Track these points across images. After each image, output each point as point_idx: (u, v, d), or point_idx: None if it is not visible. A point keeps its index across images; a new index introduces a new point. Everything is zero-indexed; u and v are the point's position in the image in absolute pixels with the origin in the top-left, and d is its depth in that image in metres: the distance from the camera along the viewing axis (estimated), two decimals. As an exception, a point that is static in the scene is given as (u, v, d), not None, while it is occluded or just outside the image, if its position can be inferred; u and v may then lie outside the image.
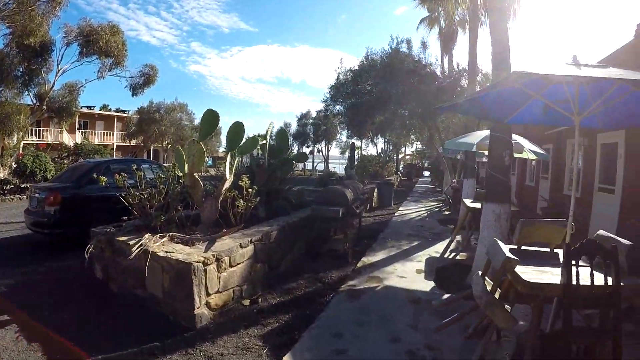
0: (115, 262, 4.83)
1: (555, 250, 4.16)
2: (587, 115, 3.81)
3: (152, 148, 38.06)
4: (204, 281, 4.11)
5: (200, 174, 5.75)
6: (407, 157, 49.63)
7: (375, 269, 6.05)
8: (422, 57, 15.20)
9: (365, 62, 15.55)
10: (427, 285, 5.40)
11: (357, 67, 15.83)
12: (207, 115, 5.58)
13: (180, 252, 4.34)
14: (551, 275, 3.25)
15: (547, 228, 4.11)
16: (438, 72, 15.25)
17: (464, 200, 8.11)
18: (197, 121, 40.66)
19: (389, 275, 5.72)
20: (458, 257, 7.00)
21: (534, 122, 5.11)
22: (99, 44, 20.07)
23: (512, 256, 3.12)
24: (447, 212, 12.55)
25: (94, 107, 36.17)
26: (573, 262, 2.86)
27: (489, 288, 3.37)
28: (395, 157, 38.25)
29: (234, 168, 6.17)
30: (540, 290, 3.05)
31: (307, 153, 56.68)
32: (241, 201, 5.74)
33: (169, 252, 4.29)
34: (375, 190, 14.24)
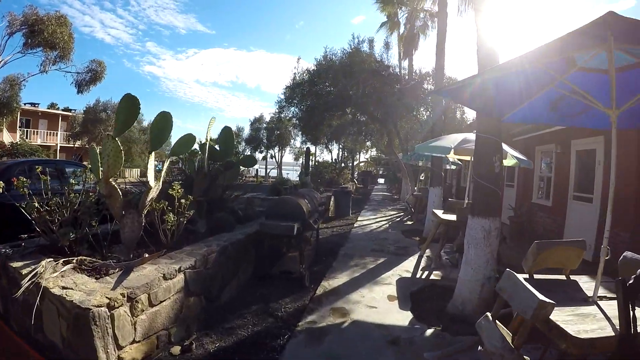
0: (13, 295, 3.50)
1: (571, 276, 3.36)
2: (624, 109, 2.99)
3: (98, 150, 35.06)
4: (111, 330, 2.94)
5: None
6: (362, 164, 49.50)
7: (339, 296, 5.02)
8: (384, 57, 14.56)
9: (323, 62, 14.66)
10: (403, 318, 4.44)
11: (314, 67, 14.90)
12: (124, 102, 4.31)
13: (82, 288, 3.11)
14: (595, 322, 2.38)
15: (564, 251, 3.27)
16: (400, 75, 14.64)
17: (434, 211, 7.33)
18: (145, 122, 39.31)
19: (355, 306, 4.71)
20: (432, 277, 6.13)
21: (537, 121, 4.34)
22: (44, 34, 18.49)
23: (546, 300, 2.20)
24: (409, 223, 11.84)
25: (38, 104, 33.52)
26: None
27: (507, 338, 2.44)
28: (350, 164, 37.76)
29: (163, 173, 4.93)
30: (592, 348, 2.14)
31: (260, 159, 55.35)
32: (171, 215, 4.55)
33: (67, 289, 3.07)
34: (332, 199, 13.29)
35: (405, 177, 15.85)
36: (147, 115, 41.32)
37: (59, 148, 33.23)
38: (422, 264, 6.94)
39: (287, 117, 15.29)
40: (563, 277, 3.50)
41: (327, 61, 14.52)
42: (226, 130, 6.34)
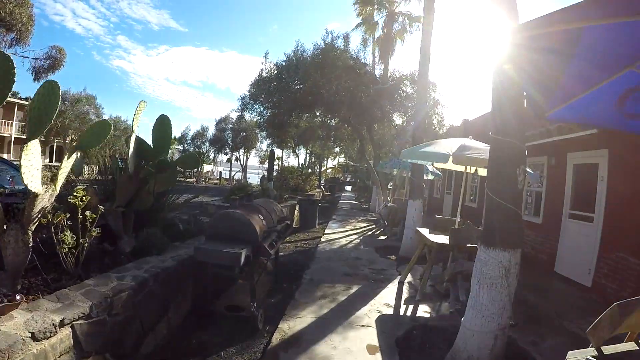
0: None
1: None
2: None
3: (55, 144, 32.68)
4: None
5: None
6: (329, 170, 48.49)
7: (302, 347, 3.72)
8: (361, 55, 13.42)
9: (293, 58, 13.34)
10: (392, 389, 3.18)
11: (283, 62, 13.56)
12: (42, 88, 2.97)
13: None
14: None
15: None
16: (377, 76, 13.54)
17: (420, 230, 6.17)
18: (105, 116, 37.58)
19: (326, 367, 3.41)
20: (420, 314, 4.93)
21: (597, 123, 3.20)
22: (1, 14, 17.02)
23: None
24: (382, 238, 10.69)
25: (-9, 91, 30.67)
26: None
27: None
28: (317, 170, 36.57)
29: (61, 173, 3.48)
30: None
31: (225, 160, 53.19)
32: (68, 233, 3.18)
33: None
34: (297, 208, 11.99)
35: (378, 186, 14.74)
36: (114, 110, 39.88)
37: (13, 139, 31.28)
38: (405, 293, 5.75)
39: (252, 116, 13.81)
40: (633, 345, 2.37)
41: (297, 57, 13.23)
42: (162, 120, 4.90)
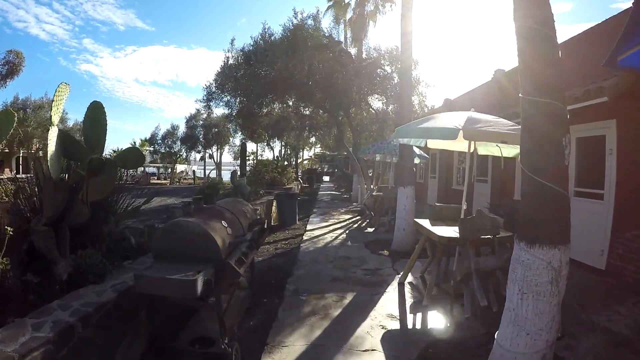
0: None
1: None
2: None
3: (21, 155, 30.58)
4: None
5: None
6: (306, 161, 47.47)
7: (293, 395, 2.79)
8: (334, 33, 12.39)
9: (261, 42, 12.20)
10: None
11: (250, 47, 12.40)
12: None
13: None
14: None
15: None
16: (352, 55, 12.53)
17: (419, 222, 5.32)
18: (70, 122, 36.16)
19: None
20: (433, 325, 4.09)
21: None
22: None
23: None
24: (370, 230, 9.84)
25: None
26: None
27: None
28: (294, 162, 35.52)
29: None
30: None
31: (198, 159, 51.30)
32: None
33: None
34: (274, 204, 11.00)
35: (359, 175, 13.87)
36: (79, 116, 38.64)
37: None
38: (408, 298, 4.92)
39: (218, 107, 12.60)
40: None
41: (265, 40, 12.11)
42: (94, 108, 3.84)
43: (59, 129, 3.55)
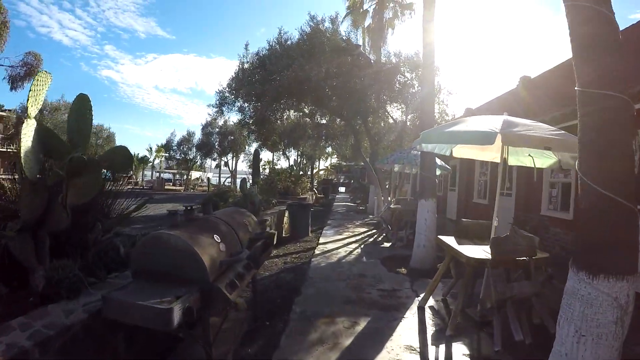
0: None
1: None
2: None
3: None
4: None
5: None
6: (322, 172, 47.04)
7: None
8: (352, 37, 12.00)
9: (277, 46, 11.89)
10: None
11: (266, 50, 12.09)
12: None
13: None
14: None
15: None
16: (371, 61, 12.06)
17: (443, 239, 4.78)
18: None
19: None
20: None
21: None
22: None
23: None
24: (386, 245, 9.28)
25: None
26: None
27: None
28: (309, 172, 35.12)
29: None
30: None
31: (214, 166, 51.38)
32: None
33: None
34: (286, 215, 10.54)
35: (376, 186, 13.32)
36: (105, 122, 39.88)
37: (-6, 153, 29.63)
38: (429, 325, 4.35)
39: (230, 113, 12.26)
40: None
41: (281, 44, 11.79)
42: (80, 101, 3.45)
43: (37, 123, 3.17)
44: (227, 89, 12.04)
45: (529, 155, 5.38)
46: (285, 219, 10.65)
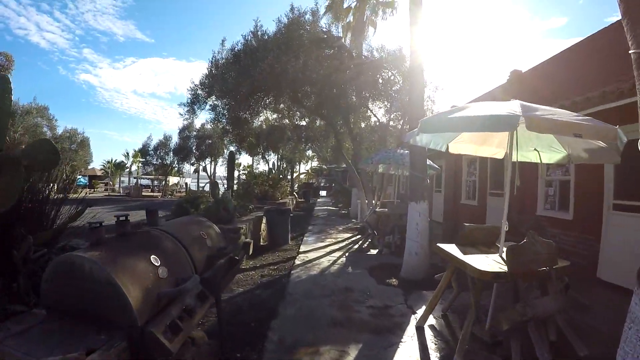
0: None
1: None
2: None
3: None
4: None
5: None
6: (302, 175, 46.25)
7: None
8: (333, 30, 11.28)
9: (252, 40, 11.09)
10: None
11: (241, 45, 11.27)
12: None
13: None
14: None
15: None
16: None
17: (444, 247, 4.10)
18: (60, 129, 34.98)
19: None
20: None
21: None
22: None
23: None
24: (373, 252, 8.59)
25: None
26: None
27: None
28: (290, 176, 34.30)
29: None
30: None
31: (192, 171, 49.93)
32: None
33: None
34: (264, 222, 9.75)
35: (360, 188, 12.64)
36: (82, 127, 38.69)
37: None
38: (432, 350, 3.65)
39: (203, 110, 11.31)
40: None
41: (257, 37, 11.00)
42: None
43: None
44: (199, 86, 11.16)
45: (535, 149, 4.80)
46: (263, 226, 9.87)
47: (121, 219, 2.38)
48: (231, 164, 12.96)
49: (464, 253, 3.84)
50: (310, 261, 7.52)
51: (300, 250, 8.67)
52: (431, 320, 4.36)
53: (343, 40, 10.41)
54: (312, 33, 9.59)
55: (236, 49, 11.27)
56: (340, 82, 9.37)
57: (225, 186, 11.78)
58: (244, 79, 8.94)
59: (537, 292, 3.71)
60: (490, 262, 3.50)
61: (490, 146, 5.17)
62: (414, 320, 4.39)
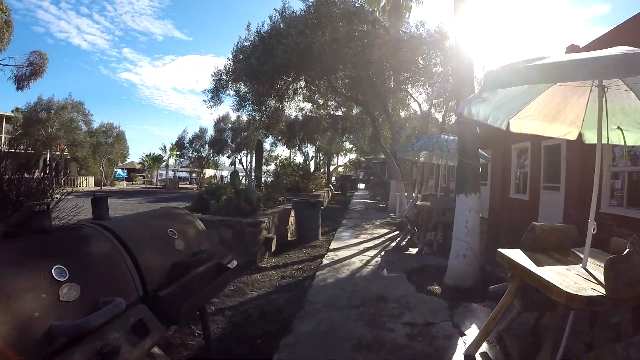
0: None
1: None
2: None
3: (48, 156, 30.57)
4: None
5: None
6: (340, 168, 45.36)
7: None
8: (366, 7, 10.25)
9: (279, 20, 10.30)
10: None
11: (267, 27, 10.50)
12: None
13: None
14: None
15: None
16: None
17: (507, 253, 3.12)
18: (95, 124, 35.93)
19: None
20: None
21: None
22: None
23: None
24: (412, 251, 7.61)
25: (-19, 104, 30.09)
26: None
27: None
28: (326, 168, 33.53)
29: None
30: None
31: (229, 164, 50.17)
32: None
33: None
34: (292, 215, 8.98)
35: (399, 180, 11.58)
36: (124, 123, 39.60)
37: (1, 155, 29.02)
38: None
39: (227, 96, 10.66)
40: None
41: (284, 18, 10.19)
42: None
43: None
44: (223, 71, 10.51)
45: (618, 127, 3.69)
46: (291, 220, 9.10)
47: (96, 195, 1.62)
48: (259, 153, 12.30)
49: (537, 263, 2.85)
50: (339, 261, 6.65)
51: (331, 247, 7.83)
52: (485, 347, 3.39)
53: (377, 14, 9.43)
54: (342, 8, 8.61)
55: (262, 31, 10.52)
56: (375, 59, 8.36)
57: (254, 176, 11.11)
58: (267, 59, 8.14)
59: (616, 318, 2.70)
60: (576, 279, 2.50)
61: (563, 124, 4.09)
62: (461, 344, 3.44)
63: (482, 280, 5.32)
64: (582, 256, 3.24)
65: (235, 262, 2.81)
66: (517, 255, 3.04)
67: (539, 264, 2.85)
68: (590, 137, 4.15)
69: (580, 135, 4.19)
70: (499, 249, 3.21)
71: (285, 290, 5.06)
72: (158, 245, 2.04)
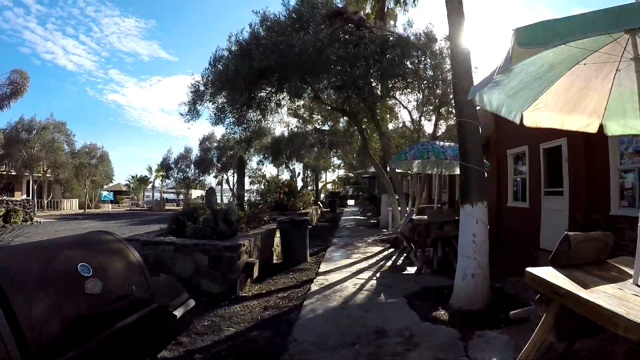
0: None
1: None
2: None
3: (31, 178, 30.06)
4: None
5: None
6: (329, 185, 44.75)
7: None
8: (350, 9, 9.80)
9: (259, 29, 9.78)
10: None
11: (246, 34, 9.95)
12: None
13: None
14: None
15: None
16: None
17: (534, 272, 2.50)
18: (78, 144, 35.37)
19: None
20: None
21: None
22: None
23: None
24: (411, 271, 6.96)
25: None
26: None
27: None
28: (314, 186, 32.90)
29: None
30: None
31: (215, 184, 49.24)
32: None
33: None
34: (277, 235, 8.30)
35: (390, 193, 10.97)
36: (112, 145, 39.00)
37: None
38: None
39: (203, 106, 9.99)
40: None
41: (266, 27, 9.67)
42: None
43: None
44: (200, 82, 9.89)
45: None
46: (276, 241, 8.41)
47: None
48: (241, 170, 11.56)
49: (581, 284, 2.24)
50: (330, 286, 5.96)
51: (320, 270, 7.14)
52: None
53: (362, 13, 8.98)
54: (326, 9, 8.11)
55: (241, 38, 9.98)
56: (361, 62, 7.84)
57: (236, 195, 10.43)
58: (244, 63, 7.56)
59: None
60: (637, 301, 1.89)
61: (582, 114, 3.56)
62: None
63: (494, 301, 4.71)
64: (625, 269, 2.68)
65: (192, 303, 2.14)
66: (552, 275, 2.42)
67: (584, 285, 2.24)
68: (613, 128, 3.63)
69: (601, 127, 3.67)
70: (527, 269, 2.59)
71: (268, 325, 4.35)
72: (56, 290, 1.38)
